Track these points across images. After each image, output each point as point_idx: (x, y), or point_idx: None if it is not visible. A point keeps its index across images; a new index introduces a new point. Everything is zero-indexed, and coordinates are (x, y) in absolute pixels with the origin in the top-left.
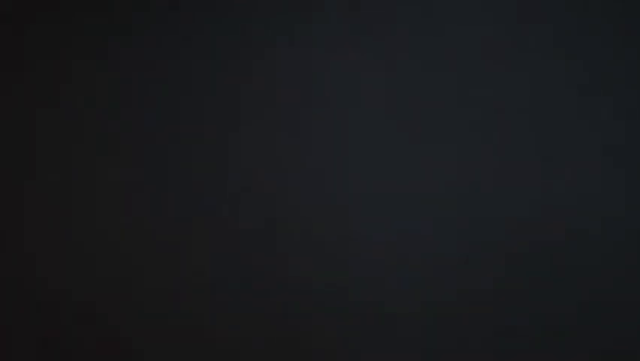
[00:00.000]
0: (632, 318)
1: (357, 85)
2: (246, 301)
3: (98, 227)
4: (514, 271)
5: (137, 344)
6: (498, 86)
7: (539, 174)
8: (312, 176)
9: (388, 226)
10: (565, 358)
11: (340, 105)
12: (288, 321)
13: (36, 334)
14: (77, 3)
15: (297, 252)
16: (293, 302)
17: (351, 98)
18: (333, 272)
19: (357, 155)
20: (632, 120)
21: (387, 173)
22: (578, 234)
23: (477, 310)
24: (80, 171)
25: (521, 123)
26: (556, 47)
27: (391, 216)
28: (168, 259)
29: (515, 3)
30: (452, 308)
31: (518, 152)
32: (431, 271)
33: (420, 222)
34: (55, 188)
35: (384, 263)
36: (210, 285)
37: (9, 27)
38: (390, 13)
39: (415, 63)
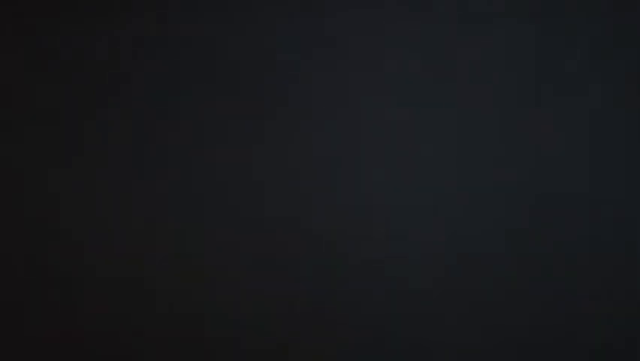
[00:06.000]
0: (630, 319)
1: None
2: (256, 298)
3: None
4: (515, 272)
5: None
6: (499, 86)
7: (541, 175)
8: (319, 174)
9: (391, 224)
10: (564, 358)
11: (345, 103)
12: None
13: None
14: (73, 3)
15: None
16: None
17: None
18: (337, 272)
19: (365, 155)
20: (631, 121)
21: (390, 173)
22: (578, 235)
23: (478, 311)
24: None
25: (524, 123)
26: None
27: (393, 215)
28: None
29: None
30: (453, 309)
31: (520, 152)
32: (433, 272)
33: (422, 222)
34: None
35: (387, 262)
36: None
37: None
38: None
39: (416, 69)
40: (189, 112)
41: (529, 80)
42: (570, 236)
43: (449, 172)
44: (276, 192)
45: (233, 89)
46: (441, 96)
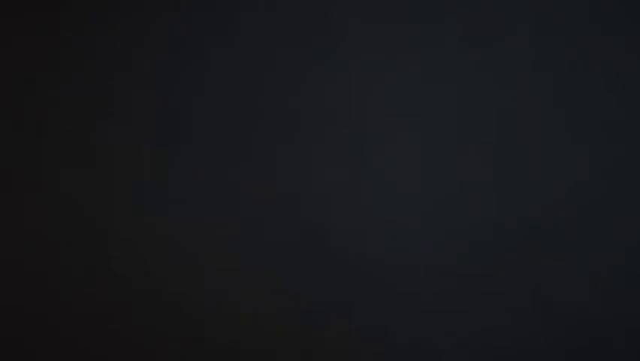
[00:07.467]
0: (631, 315)
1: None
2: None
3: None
4: (514, 269)
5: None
6: (498, 86)
7: (541, 175)
8: (319, 173)
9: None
10: (564, 353)
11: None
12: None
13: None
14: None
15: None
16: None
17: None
18: (338, 271)
19: (368, 154)
20: (632, 121)
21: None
22: (579, 235)
23: (479, 309)
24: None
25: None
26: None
27: (396, 210)
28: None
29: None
30: (453, 307)
31: (520, 152)
32: (432, 270)
33: (422, 219)
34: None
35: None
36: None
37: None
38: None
39: (417, 73)
40: (189, 112)
41: (529, 83)
42: (571, 236)
43: (450, 173)
44: (275, 192)
45: (235, 88)
46: (443, 98)
